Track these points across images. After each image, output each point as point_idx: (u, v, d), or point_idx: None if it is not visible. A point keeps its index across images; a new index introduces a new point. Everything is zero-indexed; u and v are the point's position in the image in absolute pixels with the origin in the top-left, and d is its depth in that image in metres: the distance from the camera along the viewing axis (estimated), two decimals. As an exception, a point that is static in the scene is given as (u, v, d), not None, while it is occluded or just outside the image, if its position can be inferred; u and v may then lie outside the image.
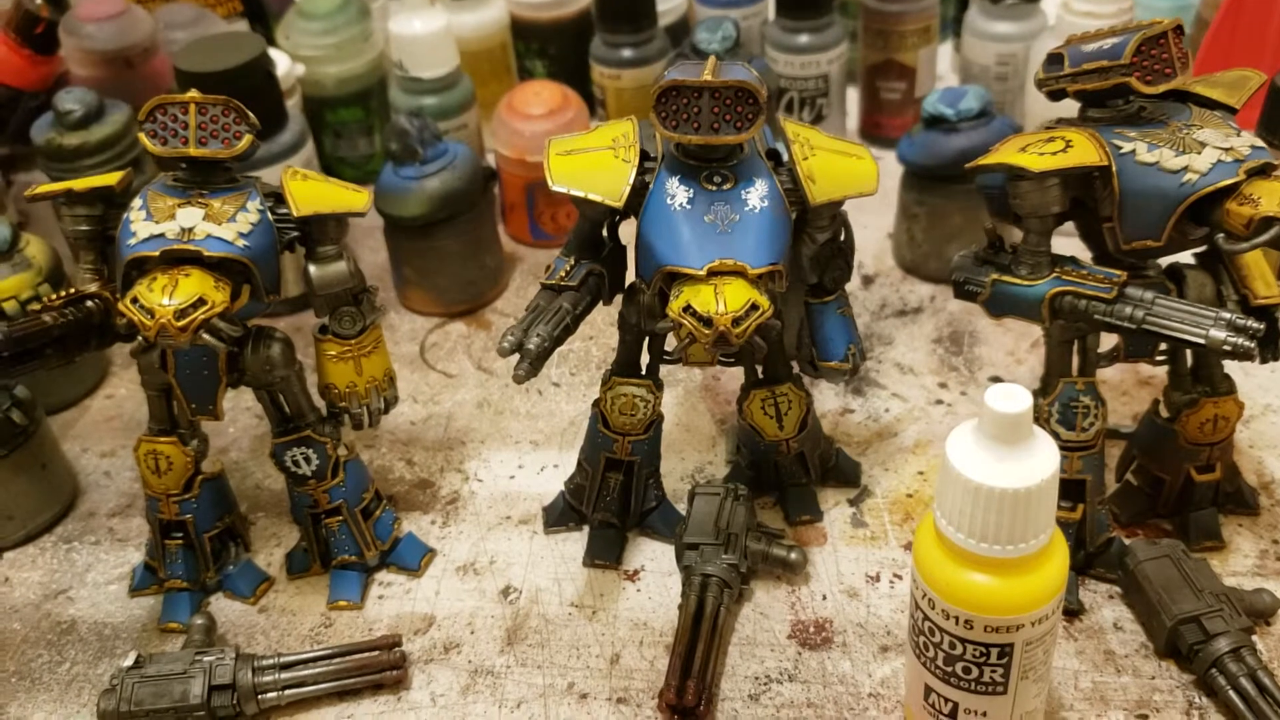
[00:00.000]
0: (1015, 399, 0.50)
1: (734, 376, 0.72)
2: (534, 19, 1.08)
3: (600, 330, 0.90)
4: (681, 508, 0.73)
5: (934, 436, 0.79)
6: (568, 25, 1.08)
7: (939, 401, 0.82)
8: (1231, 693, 0.60)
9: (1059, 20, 0.95)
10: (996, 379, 0.83)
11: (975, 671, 0.55)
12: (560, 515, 0.75)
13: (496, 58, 1.09)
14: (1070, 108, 0.65)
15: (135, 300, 0.59)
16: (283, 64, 0.98)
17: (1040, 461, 0.51)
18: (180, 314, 0.58)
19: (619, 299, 0.69)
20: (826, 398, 0.83)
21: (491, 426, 0.83)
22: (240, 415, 0.85)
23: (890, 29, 1.03)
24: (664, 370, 0.71)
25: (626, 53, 1.00)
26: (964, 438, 0.52)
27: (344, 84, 1.04)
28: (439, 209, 0.88)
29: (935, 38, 1.05)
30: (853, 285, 0.92)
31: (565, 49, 1.08)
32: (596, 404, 0.71)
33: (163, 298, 0.58)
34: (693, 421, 0.82)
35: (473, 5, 1.06)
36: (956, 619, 0.53)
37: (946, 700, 0.56)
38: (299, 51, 1.02)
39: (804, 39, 1.00)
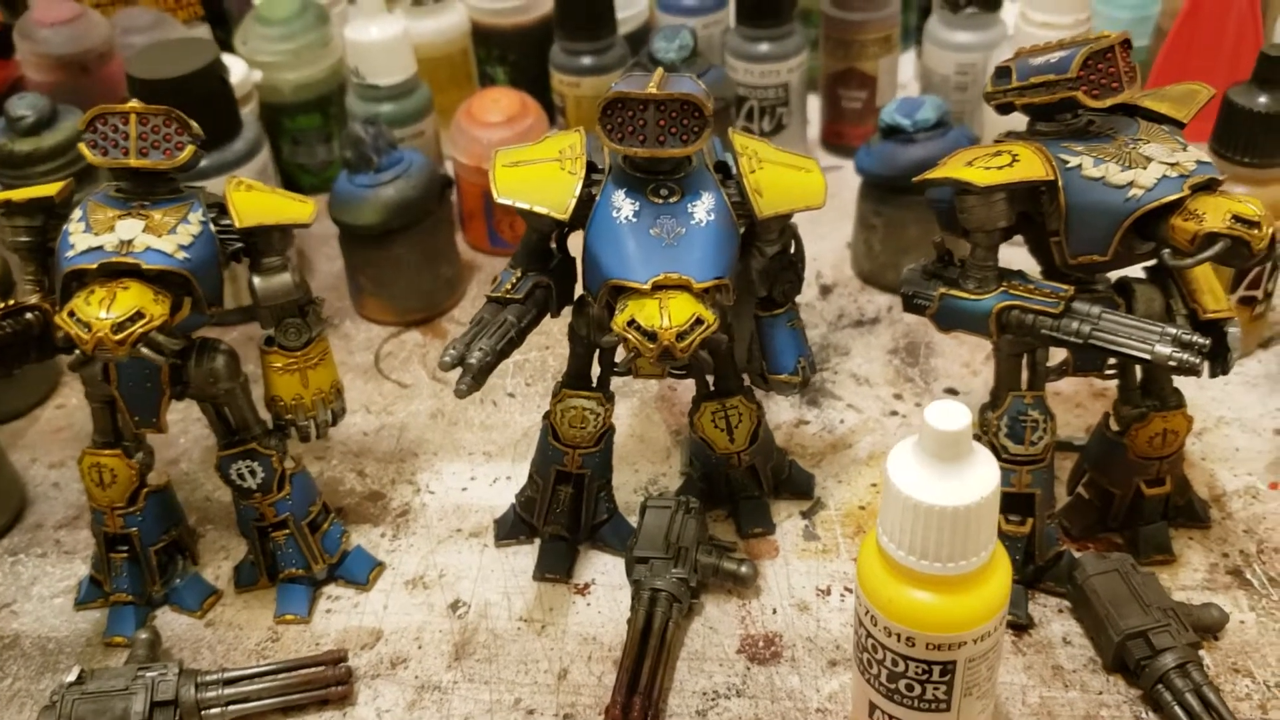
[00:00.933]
0: (954, 416, 0.50)
1: (690, 387, 0.72)
2: (495, 25, 1.08)
3: (556, 340, 0.90)
4: (634, 520, 0.73)
5: (888, 448, 0.78)
6: (529, 32, 1.07)
7: (894, 413, 0.82)
8: (1177, 708, 0.60)
9: (1017, 30, 0.95)
10: (952, 390, 0.83)
11: (918, 689, 0.54)
12: (511, 528, 0.74)
13: (457, 64, 1.09)
14: (1019, 120, 0.65)
15: (72, 314, 0.58)
16: (239, 70, 0.97)
17: (980, 478, 0.50)
18: (118, 327, 0.57)
19: (568, 311, 0.68)
20: (782, 409, 0.82)
21: (445, 438, 0.83)
22: (191, 426, 0.85)
23: (851, 38, 1.02)
24: (619, 381, 0.71)
25: (586, 60, 1.00)
26: (905, 455, 0.52)
27: (302, 90, 1.03)
28: (394, 217, 0.87)
29: (896, 47, 1.05)
30: (810, 295, 0.92)
31: (527, 56, 1.08)
32: (547, 416, 0.70)
33: (100, 311, 0.57)
34: (647, 433, 0.82)
35: (433, 11, 1.06)
36: (898, 636, 0.53)
37: (891, 717, 0.56)
38: (256, 57, 1.02)
39: (764, 48, 1.00)
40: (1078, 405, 0.81)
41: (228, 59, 0.95)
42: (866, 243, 0.92)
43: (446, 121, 1.03)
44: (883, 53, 1.04)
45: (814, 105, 1.10)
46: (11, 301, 0.64)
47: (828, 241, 0.97)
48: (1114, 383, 0.69)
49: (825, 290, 0.94)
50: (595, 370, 0.70)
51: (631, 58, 1.01)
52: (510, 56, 1.08)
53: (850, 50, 1.03)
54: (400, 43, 0.97)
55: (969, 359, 0.86)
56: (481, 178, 0.95)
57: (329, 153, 1.07)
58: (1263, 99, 0.74)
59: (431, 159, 0.93)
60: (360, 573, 0.72)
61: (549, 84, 1.04)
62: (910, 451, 0.51)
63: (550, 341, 0.90)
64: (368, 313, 0.94)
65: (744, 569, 0.69)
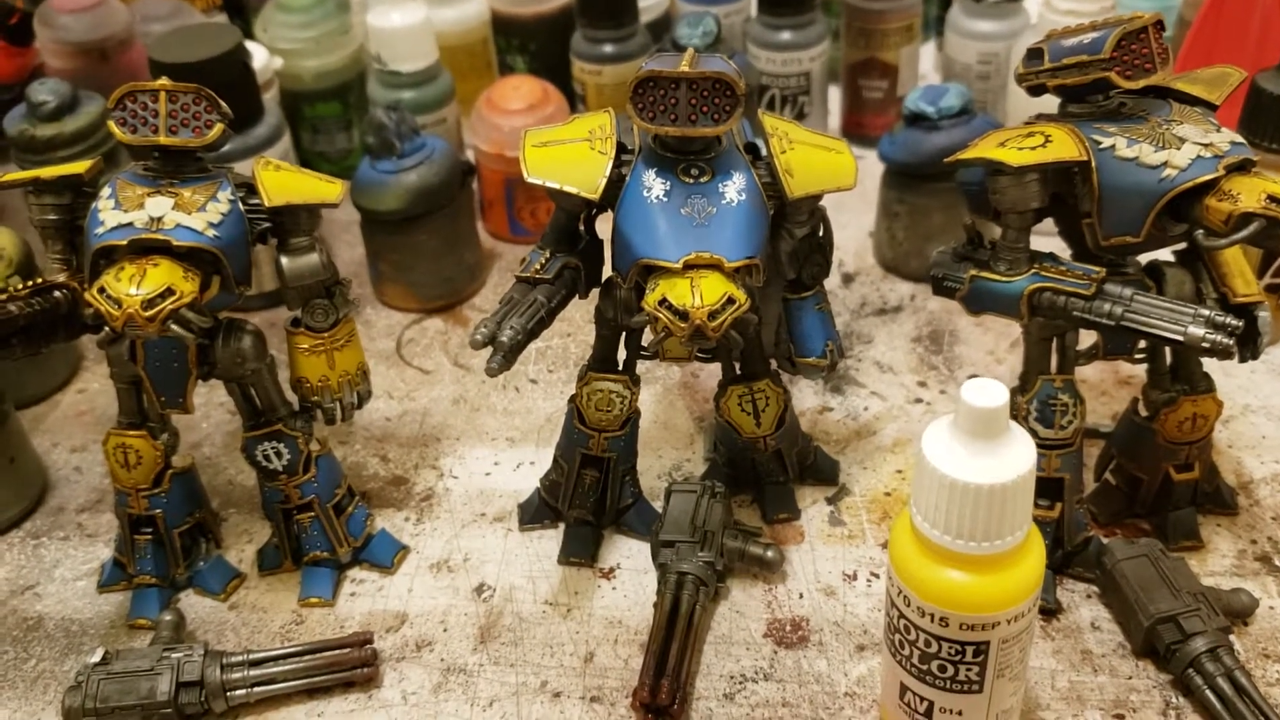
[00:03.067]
0: (991, 393, 0.49)
1: (713, 374, 0.72)
2: (515, 14, 1.07)
3: (579, 327, 0.90)
4: (658, 505, 0.73)
5: (913, 435, 0.79)
6: (549, 21, 1.07)
7: (918, 400, 0.82)
8: (1208, 692, 0.60)
9: (1041, 18, 0.95)
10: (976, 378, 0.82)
11: (951, 670, 0.54)
12: (536, 512, 0.74)
13: (477, 53, 1.09)
14: (1050, 103, 0.65)
15: (102, 290, 0.58)
16: (260, 57, 0.97)
17: (1017, 457, 0.50)
18: (148, 304, 0.57)
19: (595, 293, 0.68)
20: (805, 396, 0.82)
21: (467, 423, 0.83)
22: (213, 410, 0.84)
23: (872, 27, 1.02)
24: (642, 367, 0.70)
25: (608, 48, 1.00)
26: (940, 433, 0.51)
27: (322, 78, 1.03)
28: (415, 204, 0.87)
29: (918, 36, 1.05)
30: (833, 283, 0.92)
31: (546, 44, 1.07)
32: (572, 400, 0.70)
33: (130, 287, 0.57)
34: (671, 419, 0.82)
35: (454, 0, 1.06)
36: (932, 616, 0.53)
37: (922, 699, 0.56)
38: (277, 45, 1.01)
39: (786, 36, 1.00)
40: (1103, 393, 0.81)
41: (249, 45, 0.95)
42: (889, 231, 0.91)
43: (466, 111, 1.03)
44: (904, 42, 1.03)
45: (834, 95, 1.10)
46: (39, 280, 0.64)
47: (850, 230, 0.97)
48: (1140, 369, 0.69)
49: (848, 279, 0.93)
50: (621, 355, 0.70)
51: (654, 45, 1.01)
52: (530, 45, 1.08)
53: (871, 39, 1.03)
54: (423, 29, 0.97)
55: (993, 346, 0.85)
56: (503, 165, 0.95)
57: (348, 141, 1.06)
58: (1292, 85, 0.73)
59: (453, 146, 0.93)
60: (385, 556, 0.72)
61: (568, 72, 1.04)
62: (946, 430, 0.51)
63: (572, 329, 0.90)
64: (389, 299, 0.94)
65: (770, 553, 0.69)
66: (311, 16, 1.02)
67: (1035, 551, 0.53)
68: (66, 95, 0.89)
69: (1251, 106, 0.75)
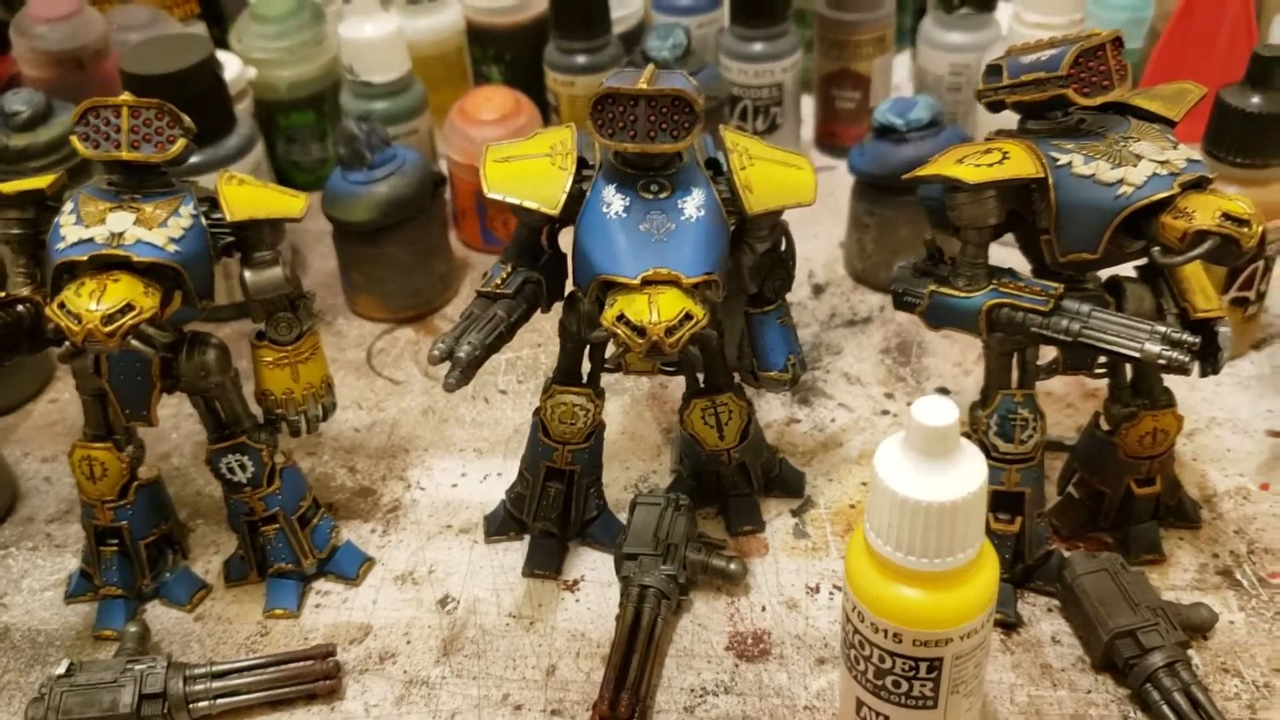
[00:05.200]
0: (941, 412, 0.50)
1: (681, 385, 0.72)
2: (490, 24, 1.07)
3: (548, 338, 0.90)
4: (624, 517, 0.73)
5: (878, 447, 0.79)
6: (524, 31, 1.07)
7: (885, 412, 0.82)
8: (1165, 707, 0.60)
9: (1011, 31, 0.95)
10: (944, 390, 0.83)
11: (905, 685, 0.54)
12: (501, 524, 0.74)
13: (452, 63, 1.09)
14: (1010, 119, 0.65)
15: (62, 305, 0.58)
16: (234, 67, 0.97)
17: (967, 474, 0.50)
18: (108, 319, 0.57)
19: (558, 307, 0.68)
20: (773, 407, 0.82)
21: (436, 434, 0.83)
22: (183, 421, 0.85)
23: (845, 38, 1.03)
24: (611, 378, 0.70)
25: (580, 59, 1.00)
26: (892, 450, 0.52)
27: (296, 88, 1.03)
28: (387, 215, 0.87)
29: (890, 47, 1.05)
30: (803, 294, 0.92)
31: (521, 55, 1.07)
32: (537, 412, 0.70)
33: (90, 303, 0.57)
34: (638, 430, 0.82)
35: (428, 10, 1.06)
36: (885, 632, 0.53)
37: (878, 714, 0.56)
38: (251, 54, 1.02)
39: (758, 47, 1.00)
40: (1068, 405, 0.81)
41: (223, 56, 0.95)
42: (859, 242, 0.92)
43: (441, 120, 1.03)
44: (877, 53, 1.04)
45: (808, 105, 1.10)
46: (3, 294, 0.64)
47: (820, 241, 0.97)
48: (1104, 382, 0.69)
49: (818, 289, 0.94)
50: (586, 367, 0.70)
51: (626, 57, 1.01)
52: (505, 55, 1.08)
53: (845, 51, 1.03)
54: (395, 40, 0.97)
55: (961, 358, 0.86)
56: (475, 176, 0.94)
57: (323, 150, 1.07)
58: (1255, 99, 0.74)
59: (425, 156, 0.93)
60: (350, 568, 0.72)
61: (543, 83, 1.04)
62: (898, 447, 0.51)
63: (542, 339, 0.90)
64: (360, 309, 0.94)
65: (733, 566, 0.69)
66: (286, 27, 1.02)
67: (988, 568, 0.53)
68: (40, 105, 0.88)
69: (1216, 122, 0.76)
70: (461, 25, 1.08)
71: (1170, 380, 0.67)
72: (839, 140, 1.07)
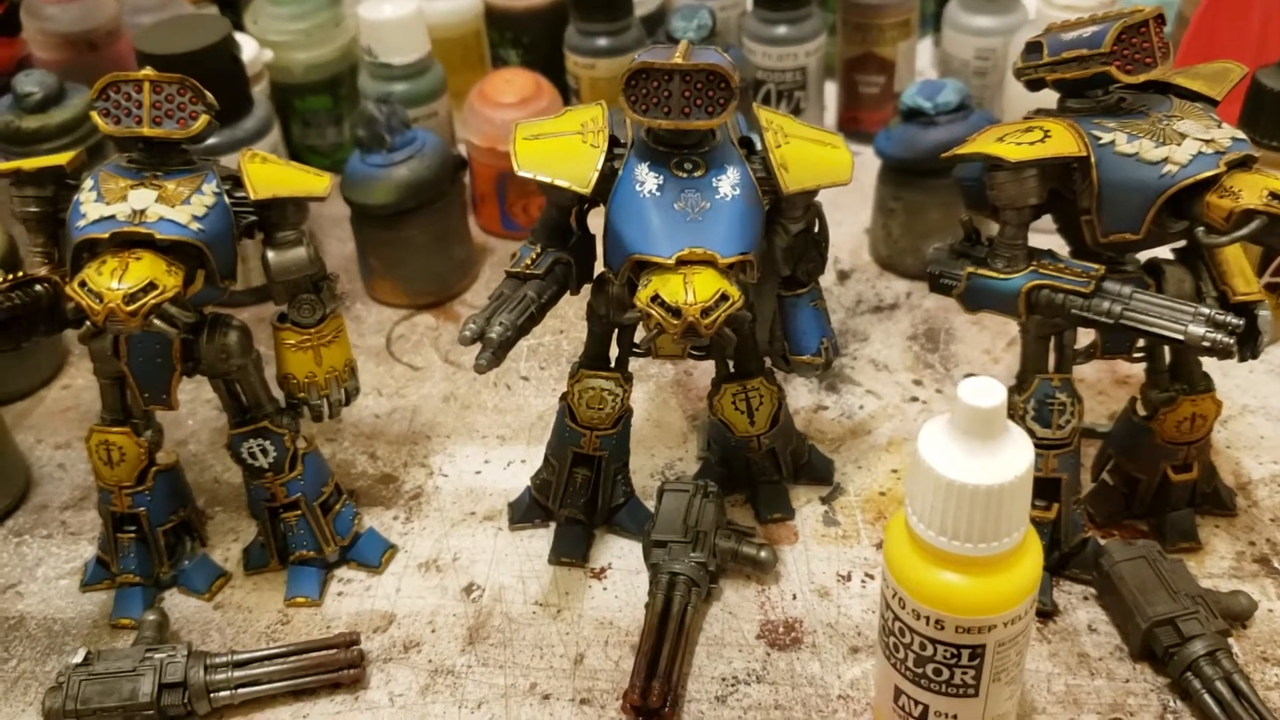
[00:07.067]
0: (989, 393, 0.48)
1: (706, 371, 0.71)
2: (508, 7, 1.06)
3: (571, 324, 0.89)
4: (651, 504, 0.72)
5: (908, 434, 0.78)
6: (542, 13, 1.06)
7: (914, 399, 0.81)
8: (1206, 696, 0.59)
9: (1039, 14, 0.94)
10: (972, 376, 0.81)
11: (946, 673, 0.53)
12: (526, 511, 0.73)
13: (470, 46, 1.07)
14: (1049, 99, 0.64)
15: (84, 284, 0.56)
16: (250, 49, 0.96)
17: (1014, 457, 0.49)
18: (130, 298, 0.56)
19: (586, 289, 0.67)
20: (800, 394, 0.81)
21: (458, 420, 0.82)
22: (200, 407, 0.83)
23: (869, 22, 1.01)
24: (635, 365, 0.69)
25: (602, 42, 0.99)
26: (936, 433, 0.50)
27: (313, 71, 1.02)
28: (406, 198, 0.86)
29: (914, 32, 1.04)
30: (828, 280, 0.91)
31: (540, 38, 1.06)
32: (564, 397, 0.69)
33: (112, 281, 0.56)
34: (664, 417, 0.81)
35: (446, -8, 1.05)
36: (927, 619, 0.52)
37: (916, 703, 0.55)
38: (267, 37, 1.00)
39: (782, 31, 0.99)
40: (1100, 392, 0.80)
41: (239, 37, 0.94)
42: (885, 228, 0.90)
43: (458, 105, 1.02)
44: (901, 37, 1.02)
45: (831, 91, 1.09)
46: (20, 274, 0.63)
47: (845, 227, 0.96)
48: (1138, 369, 0.68)
49: (843, 275, 0.92)
50: (614, 351, 0.69)
51: (648, 39, 1.00)
52: (524, 39, 1.07)
53: (868, 35, 1.02)
54: (414, 20, 0.96)
55: (990, 345, 0.84)
56: (495, 159, 0.94)
57: (339, 135, 1.05)
58: (1293, 81, 0.72)
59: (445, 140, 0.92)
60: (373, 555, 0.71)
61: (562, 66, 1.03)
62: (942, 429, 0.50)
63: (565, 325, 0.89)
64: (379, 295, 0.93)
65: (763, 554, 0.68)
66: (302, 9, 1.00)
67: (1032, 553, 0.52)
68: (53, 87, 0.88)
69: (1252, 103, 0.75)
70: (480, 8, 1.07)
71: (1206, 364, 0.66)
72: (862, 125, 1.06)
